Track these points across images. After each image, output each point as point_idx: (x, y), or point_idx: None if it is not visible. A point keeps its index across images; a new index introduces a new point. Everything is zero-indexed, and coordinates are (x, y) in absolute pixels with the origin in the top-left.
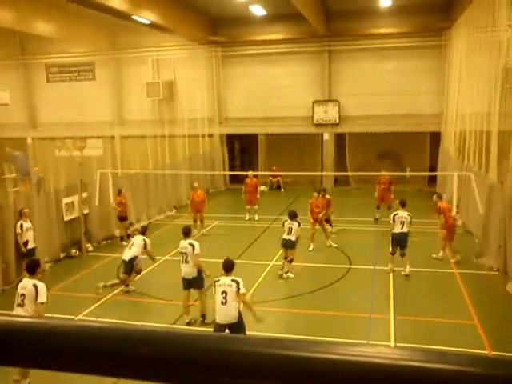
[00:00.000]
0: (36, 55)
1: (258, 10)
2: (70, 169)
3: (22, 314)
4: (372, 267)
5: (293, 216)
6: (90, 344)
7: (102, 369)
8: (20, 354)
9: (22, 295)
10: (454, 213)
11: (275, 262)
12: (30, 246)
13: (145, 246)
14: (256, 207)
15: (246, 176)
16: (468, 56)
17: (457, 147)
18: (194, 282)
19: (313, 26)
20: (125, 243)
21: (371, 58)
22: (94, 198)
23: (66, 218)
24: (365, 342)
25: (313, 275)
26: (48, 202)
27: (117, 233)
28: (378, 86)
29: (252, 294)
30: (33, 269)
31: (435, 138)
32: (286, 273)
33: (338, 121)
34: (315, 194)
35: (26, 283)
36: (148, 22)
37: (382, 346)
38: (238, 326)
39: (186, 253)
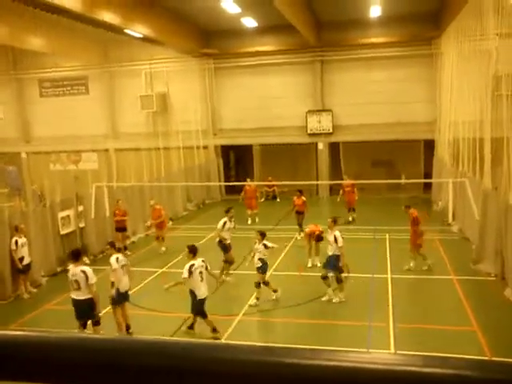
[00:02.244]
0: (29, 70)
1: (250, 22)
2: (65, 183)
3: (80, 297)
4: (370, 275)
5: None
6: (85, 357)
7: (98, 381)
8: (12, 367)
9: (76, 281)
10: (450, 219)
11: (273, 271)
12: (26, 261)
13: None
14: (256, 211)
15: (243, 187)
16: (459, 64)
17: (451, 154)
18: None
19: (304, 37)
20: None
21: (363, 67)
22: (90, 211)
23: (62, 232)
24: (364, 350)
25: (311, 284)
26: (44, 216)
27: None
28: (370, 95)
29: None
30: (76, 256)
31: (429, 146)
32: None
33: (331, 130)
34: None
35: (75, 270)
36: (140, 36)
37: (378, 353)
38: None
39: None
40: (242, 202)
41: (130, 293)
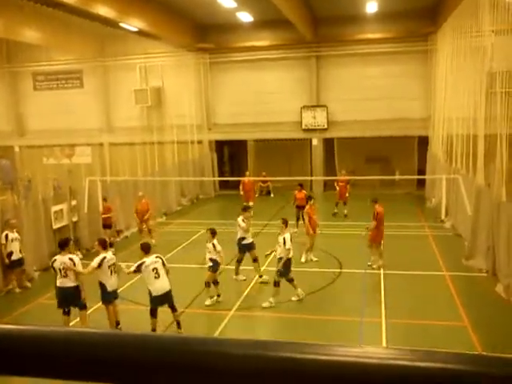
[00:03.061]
0: (23, 63)
1: (246, 17)
2: (58, 176)
3: (69, 284)
4: (363, 271)
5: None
6: (79, 350)
7: (95, 375)
8: (6, 361)
9: (64, 269)
10: (443, 216)
11: (266, 267)
12: (15, 257)
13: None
14: (251, 204)
15: (239, 181)
16: (453, 61)
17: (444, 151)
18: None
19: (300, 32)
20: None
21: (359, 63)
22: (83, 205)
23: (55, 226)
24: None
25: (303, 280)
26: (36, 210)
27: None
28: (365, 91)
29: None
30: (62, 245)
31: (423, 142)
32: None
33: (326, 126)
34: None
35: (62, 259)
36: (136, 30)
37: (369, 346)
38: (170, 292)
39: (156, 268)
40: (242, 195)
41: (119, 290)
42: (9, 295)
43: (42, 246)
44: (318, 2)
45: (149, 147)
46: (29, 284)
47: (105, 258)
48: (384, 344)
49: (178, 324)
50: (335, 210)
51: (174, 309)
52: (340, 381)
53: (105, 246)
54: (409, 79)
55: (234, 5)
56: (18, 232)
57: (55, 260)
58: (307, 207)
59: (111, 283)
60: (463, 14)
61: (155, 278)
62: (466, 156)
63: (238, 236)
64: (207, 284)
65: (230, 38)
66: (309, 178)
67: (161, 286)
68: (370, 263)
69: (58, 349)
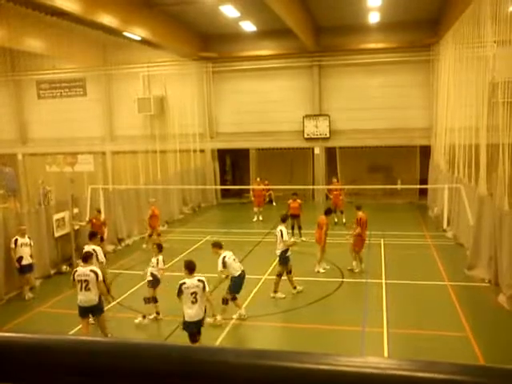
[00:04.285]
0: (27, 71)
1: (249, 26)
2: (60, 184)
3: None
4: (364, 280)
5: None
6: (80, 359)
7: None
8: (6, 369)
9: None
10: (445, 225)
11: (268, 276)
12: (25, 262)
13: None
14: (261, 209)
15: (242, 190)
16: (456, 71)
17: (447, 160)
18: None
19: (303, 42)
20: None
21: (361, 72)
22: (85, 213)
23: (57, 234)
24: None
25: (305, 289)
26: (38, 217)
27: (109, 248)
28: (367, 101)
29: (244, 307)
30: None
31: (425, 152)
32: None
33: (328, 135)
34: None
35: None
36: (139, 39)
37: (370, 356)
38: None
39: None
40: (253, 200)
41: (120, 298)
42: (10, 303)
43: (44, 254)
44: (320, 11)
45: (151, 156)
46: (31, 294)
47: (76, 271)
48: (386, 354)
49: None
50: (335, 220)
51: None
52: None
53: (84, 260)
54: (411, 89)
55: (237, 14)
56: (29, 238)
57: (76, 271)
58: (323, 220)
59: (80, 298)
60: (465, 25)
61: (192, 302)
62: (468, 165)
63: (281, 249)
64: (147, 300)
65: (232, 48)
66: (310, 187)
67: (196, 313)
68: (350, 268)
69: (59, 357)
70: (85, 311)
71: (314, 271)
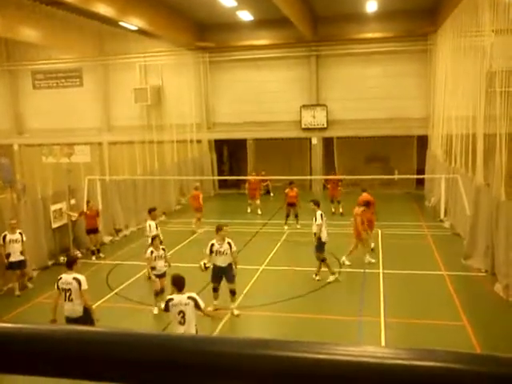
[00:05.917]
0: (22, 61)
1: (246, 16)
2: (57, 175)
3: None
4: (362, 270)
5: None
6: (77, 349)
7: (90, 374)
8: (5, 360)
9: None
10: (442, 215)
11: (265, 266)
12: (14, 258)
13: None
14: (258, 202)
15: (239, 181)
16: (453, 60)
17: (444, 150)
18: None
19: (300, 31)
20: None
21: (358, 62)
22: (83, 204)
23: (54, 225)
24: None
25: (302, 279)
26: (35, 209)
27: (106, 239)
28: (365, 90)
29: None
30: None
31: (422, 142)
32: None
33: (325, 125)
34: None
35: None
36: (135, 28)
37: (367, 345)
38: None
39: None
40: (247, 193)
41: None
42: (7, 295)
43: (41, 245)
44: (317, 1)
45: (148, 146)
46: (30, 285)
47: (60, 278)
48: (383, 343)
49: None
50: (333, 210)
51: None
52: (338, 380)
53: (68, 262)
54: (408, 78)
55: (234, 4)
56: (20, 233)
57: (60, 278)
58: (360, 210)
59: (65, 308)
60: (463, 14)
61: (180, 323)
62: (466, 155)
63: (319, 234)
64: (157, 292)
65: (229, 37)
66: (308, 177)
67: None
68: (367, 261)
69: (58, 347)
70: (70, 323)
71: (308, 263)
